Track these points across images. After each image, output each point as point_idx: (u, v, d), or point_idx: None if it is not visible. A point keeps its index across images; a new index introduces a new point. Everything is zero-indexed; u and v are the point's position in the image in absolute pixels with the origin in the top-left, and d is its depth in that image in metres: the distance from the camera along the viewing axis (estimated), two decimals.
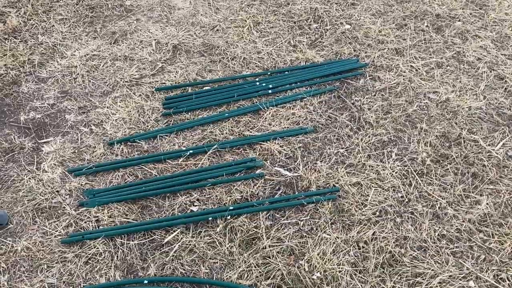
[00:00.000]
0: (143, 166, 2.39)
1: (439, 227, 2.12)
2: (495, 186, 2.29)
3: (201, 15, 3.44)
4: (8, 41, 3.13)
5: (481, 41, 3.17)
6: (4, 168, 2.37)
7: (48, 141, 2.52)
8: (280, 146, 2.49)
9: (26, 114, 2.67)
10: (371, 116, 2.65)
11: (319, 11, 3.47)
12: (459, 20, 3.36)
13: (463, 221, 2.15)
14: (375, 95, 2.79)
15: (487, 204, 2.21)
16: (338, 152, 2.46)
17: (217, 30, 3.32)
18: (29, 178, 2.32)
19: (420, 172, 2.36)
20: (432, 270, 1.97)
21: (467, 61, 3.01)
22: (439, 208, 2.20)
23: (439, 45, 3.15)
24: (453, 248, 2.05)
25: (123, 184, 2.32)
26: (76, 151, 2.47)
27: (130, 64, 3.02)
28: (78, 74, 2.93)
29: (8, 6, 3.41)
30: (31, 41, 3.15)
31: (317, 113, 2.69)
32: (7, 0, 3.45)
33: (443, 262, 2.00)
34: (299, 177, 2.33)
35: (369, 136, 2.54)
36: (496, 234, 2.10)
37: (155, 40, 3.21)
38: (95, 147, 2.49)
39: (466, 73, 2.93)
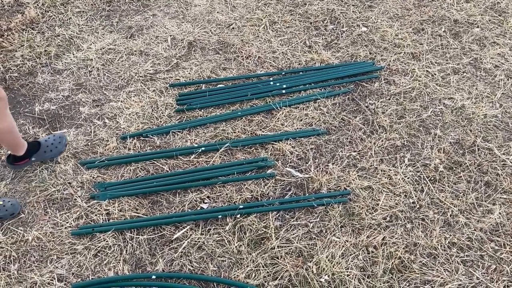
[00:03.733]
0: (155, 161, 2.40)
1: (450, 235, 2.10)
2: (509, 196, 2.26)
3: (218, 12, 3.44)
4: (25, 32, 3.15)
5: (499, 48, 3.13)
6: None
7: (62, 132, 2.54)
8: (292, 146, 2.48)
9: (41, 105, 2.69)
10: (385, 120, 2.63)
11: (335, 12, 3.45)
12: (478, 27, 3.32)
13: (475, 230, 2.12)
14: (389, 99, 2.77)
15: (499, 213, 2.19)
16: (350, 155, 2.45)
17: (233, 28, 3.32)
18: (42, 169, 2.33)
19: (432, 178, 2.34)
20: (442, 278, 1.96)
21: (484, 68, 2.98)
22: (450, 215, 2.18)
23: (456, 51, 3.12)
24: (464, 257, 2.03)
25: (134, 178, 2.33)
26: (89, 143, 2.49)
27: (145, 59, 3.03)
28: (93, 67, 2.94)
29: None
30: (48, 33, 3.18)
31: (331, 115, 2.68)
32: None
33: (453, 270, 1.98)
34: (310, 178, 2.32)
35: (382, 140, 2.52)
36: (508, 244, 2.08)
37: (170, 36, 3.21)
38: (108, 140, 2.51)
39: (482, 80, 2.90)
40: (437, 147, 2.48)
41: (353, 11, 3.47)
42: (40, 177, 2.29)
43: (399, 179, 2.32)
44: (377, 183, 2.30)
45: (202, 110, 2.72)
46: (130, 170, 2.36)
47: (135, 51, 3.09)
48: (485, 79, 2.91)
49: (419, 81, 2.89)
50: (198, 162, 2.41)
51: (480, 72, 2.96)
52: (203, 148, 2.46)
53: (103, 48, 3.09)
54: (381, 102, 2.75)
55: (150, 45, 3.14)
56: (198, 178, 2.31)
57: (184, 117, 2.66)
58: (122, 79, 2.88)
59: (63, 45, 3.10)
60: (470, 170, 2.37)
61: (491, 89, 2.83)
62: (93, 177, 2.32)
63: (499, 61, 3.04)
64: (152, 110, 2.69)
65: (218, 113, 2.71)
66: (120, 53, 3.07)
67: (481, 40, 3.21)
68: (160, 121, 2.63)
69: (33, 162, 2.32)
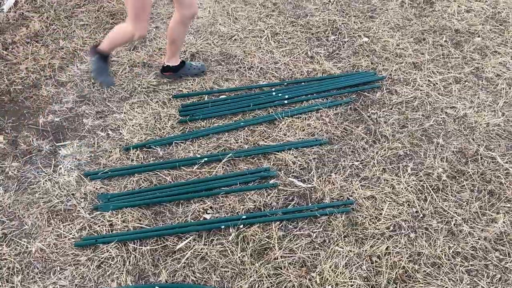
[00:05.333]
0: (157, 172, 2.41)
1: (454, 244, 2.09)
2: None
3: (220, 24, 3.47)
4: (30, 45, 3.18)
5: (501, 57, 3.14)
6: (22, 169, 2.40)
7: (65, 144, 2.55)
8: (295, 156, 2.49)
9: (45, 117, 2.71)
10: (387, 130, 2.63)
11: (337, 23, 3.48)
12: (479, 36, 3.34)
13: (479, 239, 2.11)
14: (391, 109, 2.78)
15: (503, 222, 2.18)
16: (353, 164, 2.45)
17: (235, 39, 3.35)
18: (46, 180, 2.34)
19: (435, 187, 2.33)
20: (446, 287, 1.94)
21: (486, 77, 2.99)
22: (454, 224, 2.17)
23: (457, 60, 3.13)
24: (468, 266, 2.02)
25: (137, 189, 2.33)
26: (93, 155, 2.50)
27: (148, 70, 3.06)
28: None
29: (32, 11, 3.48)
30: (52, 46, 3.21)
31: (333, 125, 2.69)
32: (31, 5, 3.52)
33: (457, 280, 1.97)
34: (313, 188, 2.32)
35: (385, 150, 2.52)
36: None
37: None
38: (111, 151, 2.52)
39: (484, 89, 2.91)
40: (440, 156, 2.48)
41: (354, 22, 3.50)
42: None
43: (402, 188, 2.32)
44: (380, 192, 2.30)
45: (205, 121, 2.73)
46: (133, 181, 2.37)
47: (138, 63, 3.11)
48: (487, 88, 2.91)
49: (421, 90, 2.90)
50: (201, 172, 2.42)
51: (482, 81, 2.97)
52: (205, 159, 2.47)
53: None
54: (383, 111, 2.76)
55: (153, 57, 3.17)
56: (201, 189, 2.32)
57: (187, 128, 2.68)
58: (125, 91, 2.90)
59: (67, 57, 3.13)
60: (473, 179, 2.37)
61: (493, 98, 2.83)
62: (96, 188, 2.32)
63: (500, 70, 3.05)
64: (155, 121, 2.71)
65: (220, 123, 2.72)
66: (123, 65, 3.09)
67: (482, 49, 3.22)
68: (163, 132, 2.65)
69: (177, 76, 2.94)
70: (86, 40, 3.27)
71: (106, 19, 3.48)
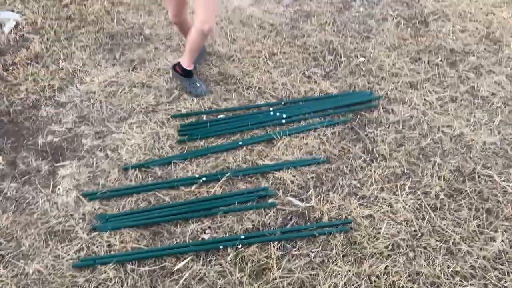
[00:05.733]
0: (156, 192, 2.41)
1: (453, 263, 2.09)
2: (511, 223, 2.26)
3: (218, 45, 3.52)
4: (30, 66, 3.22)
5: (496, 76, 3.18)
6: (20, 190, 2.41)
7: (64, 164, 2.56)
8: (293, 175, 2.50)
9: (44, 138, 2.72)
10: (384, 149, 2.65)
11: (333, 43, 3.53)
12: (474, 55, 3.39)
13: (478, 258, 2.11)
14: (388, 128, 2.80)
15: (502, 241, 2.18)
16: (351, 183, 2.46)
17: (233, 60, 3.39)
18: (44, 201, 2.35)
19: (433, 206, 2.34)
20: None
21: (482, 96, 3.02)
22: (452, 243, 2.17)
23: (453, 79, 3.17)
24: (467, 285, 2.01)
25: (135, 209, 2.33)
26: (91, 175, 2.51)
27: (147, 91, 3.08)
28: (96, 99, 2.99)
29: (33, 33, 3.53)
30: (52, 67, 3.24)
31: (330, 143, 2.70)
32: (32, 27, 3.57)
33: None
34: (311, 207, 2.33)
35: (382, 169, 2.53)
36: (511, 272, 2.06)
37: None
38: (109, 172, 2.52)
39: (480, 108, 2.93)
40: (437, 175, 2.49)
41: (350, 42, 3.54)
42: None
43: (400, 207, 2.33)
44: (378, 211, 2.30)
45: (204, 141, 2.75)
46: (131, 201, 2.37)
47: (137, 83, 3.14)
48: (482, 107, 2.94)
49: (417, 109, 2.93)
50: (199, 192, 2.42)
51: (478, 100, 3.00)
52: (204, 178, 2.48)
53: (106, 80, 3.15)
54: (380, 130, 2.78)
55: (152, 78, 3.20)
56: (199, 209, 2.32)
57: (185, 148, 2.69)
58: (124, 111, 2.92)
59: (66, 78, 3.16)
60: (471, 198, 2.38)
61: (489, 117, 2.86)
62: (94, 209, 2.32)
63: (495, 89, 3.08)
64: (154, 141, 2.72)
65: (219, 143, 2.74)
66: (122, 85, 3.12)
67: (477, 68, 3.27)
68: (162, 152, 2.66)
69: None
70: (85, 61, 3.30)
71: (105, 40, 3.52)
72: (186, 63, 3.00)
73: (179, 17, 2.95)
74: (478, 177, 2.48)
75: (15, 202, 2.35)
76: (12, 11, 3.72)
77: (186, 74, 3.04)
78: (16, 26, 3.56)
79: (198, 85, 3.04)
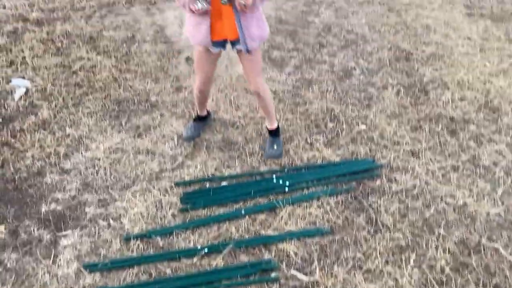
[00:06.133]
0: (157, 264, 2.38)
1: None
2: None
3: (222, 111, 3.59)
4: (37, 133, 3.28)
5: (496, 145, 3.22)
6: (21, 261, 2.38)
7: (66, 234, 2.55)
8: (296, 247, 2.47)
9: (47, 206, 2.73)
10: (388, 219, 2.64)
11: (335, 111, 3.60)
12: (473, 124, 3.44)
13: None
14: (391, 197, 2.80)
15: None
16: (355, 256, 2.42)
17: (237, 126, 3.45)
18: (44, 273, 2.31)
19: (439, 280, 2.29)
20: None
21: (483, 165, 3.04)
22: None
23: (454, 148, 3.21)
24: None
25: (136, 283, 2.29)
26: (93, 245, 2.49)
27: (151, 158, 3.12)
28: (100, 166, 3.02)
29: (42, 99, 3.62)
30: (58, 133, 3.30)
31: (334, 213, 2.69)
32: (41, 93, 3.67)
33: None
34: (315, 282, 2.28)
35: (387, 241, 2.51)
36: None
37: (177, 134, 3.33)
38: (111, 241, 2.51)
39: (482, 178, 2.95)
40: (442, 247, 2.46)
41: (351, 110, 3.62)
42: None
43: (405, 281, 2.28)
44: (383, 286, 2.26)
45: (206, 209, 2.74)
46: (132, 273, 2.33)
47: (142, 150, 3.18)
48: (485, 177, 2.96)
49: (419, 178, 2.94)
50: (201, 264, 2.39)
51: (479, 169, 3.01)
52: (206, 250, 2.45)
53: (111, 147, 3.19)
54: (383, 200, 2.78)
55: (157, 144, 3.24)
56: (200, 282, 2.28)
57: (188, 217, 2.68)
58: (128, 178, 2.94)
59: (72, 144, 3.21)
60: (477, 272, 2.34)
61: (491, 187, 2.87)
62: (95, 281, 2.29)
63: (497, 158, 3.11)
64: (157, 209, 2.72)
65: (221, 212, 2.73)
66: (127, 152, 3.16)
67: (478, 137, 3.31)
68: (164, 221, 2.65)
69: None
70: (92, 128, 3.37)
71: (112, 106, 3.61)
72: (275, 124, 3.18)
73: (207, 86, 3.03)
74: (484, 250, 2.45)
75: (15, 273, 2.31)
76: (23, 78, 3.84)
77: (273, 133, 3.20)
78: (26, 92, 3.66)
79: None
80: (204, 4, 2.46)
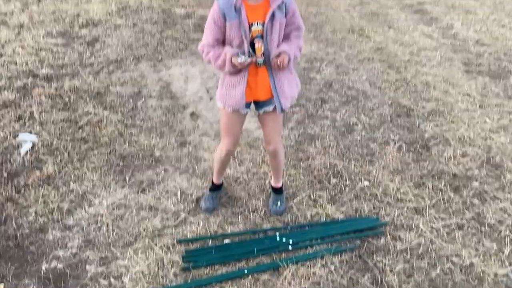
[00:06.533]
0: None
1: None
2: None
3: None
4: (41, 188, 3.29)
5: (500, 202, 3.21)
6: None
7: None
8: None
9: (48, 263, 2.70)
10: (394, 280, 2.59)
11: (338, 166, 3.62)
12: (476, 180, 3.44)
13: None
14: (396, 256, 2.77)
15: None
16: None
17: (240, 182, 3.46)
18: None
19: None
20: None
21: (488, 224, 3.02)
22: None
23: (458, 205, 3.19)
24: None
25: None
26: None
27: (154, 214, 3.11)
28: (103, 223, 3.01)
29: (47, 154, 3.66)
30: (62, 188, 3.31)
31: (338, 273, 2.65)
32: (47, 148, 3.71)
33: None
34: None
35: None
36: None
37: (180, 190, 3.33)
38: None
39: (488, 237, 2.91)
40: None
41: (354, 165, 3.64)
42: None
43: None
44: None
45: (208, 268, 2.70)
46: None
47: (145, 206, 3.18)
48: (490, 235, 2.93)
49: (424, 237, 2.91)
50: None
51: (485, 227, 2.99)
52: None
53: (114, 203, 3.19)
54: (388, 259, 2.74)
55: (160, 200, 3.24)
56: None
57: (189, 276, 2.64)
58: (130, 235, 2.92)
59: (75, 200, 3.21)
60: None
61: (498, 246, 2.83)
62: None
63: (502, 216, 3.09)
64: (158, 268, 2.68)
65: (224, 271, 2.69)
66: (130, 208, 3.16)
67: (481, 194, 3.30)
68: (166, 280, 2.61)
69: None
70: (96, 183, 3.38)
71: (116, 162, 3.64)
72: (281, 182, 3.22)
73: (236, 146, 3.00)
74: None
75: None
76: (30, 132, 3.90)
77: (277, 190, 3.22)
78: (32, 147, 3.71)
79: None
80: (248, 58, 2.50)
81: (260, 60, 2.56)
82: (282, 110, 2.72)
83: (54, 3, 7.14)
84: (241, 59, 2.48)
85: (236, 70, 2.57)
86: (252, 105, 2.81)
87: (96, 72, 5.03)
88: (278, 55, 2.54)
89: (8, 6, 6.81)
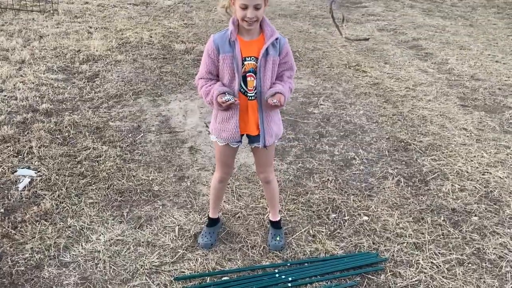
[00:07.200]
0: None
1: None
2: None
3: (224, 202, 3.60)
4: (38, 224, 3.27)
5: (500, 238, 3.19)
6: None
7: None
8: None
9: None
10: None
11: (336, 201, 3.61)
12: (475, 215, 3.44)
13: None
14: None
15: None
16: None
17: (239, 217, 3.44)
18: None
19: None
20: None
21: (489, 259, 2.99)
22: None
23: (458, 240, 3.17)
24: None
25: None
26: None
27: (151, 250, 3.08)
28: (100, 259, 2.98)
29: (45, 189, 3.65)
30: (60, 224, 3.29)
31: None
32: (45, 183, 3.71)
33: None
34: None
35: None
36: None
37: (178, 226, 3.31)
38: None
39: (489, 273, 2.89)
40: None
41: (353, 200, 3.63)
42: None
43: None
44: None
45: None
46: None
47: (142, 242, 3.15)
48: (491, 272, 2.90)
49: (425, 273, 2.88)
50: None
51: (485, 263, 2.96)
52: None
53: (112, 239, 3.16)
54: None
55: (158, 236, 3.22)
56: None
57: None
58: (127, 272, 2.89)
59: (73, 236, 3.18)
60: None
61: (499, 283, 2.80)
62: None
63: (502, 251, 3.07)
64: None
65: None
66: (127, 244, 3.13)
67: (480, 229, 3.29)
68: None
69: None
70: (93, 218, 3.36)
71: (114, 197, 3.62)
72: (278, 215, 3.23)
73: (229, 175, 3.10)
74: None
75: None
76: (29, 167, 3.90)
77: (276, 224, 3.22)
78: (31, 182, 3.70)
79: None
80: (231, 98, 2.55)
81: (251, 94, 2.61)
82: (265, 146, 2.76)
83: (55, 39, 7.27)
84: (226, 97, 2.54)
85: (225, 108, 2.61)
86: (245, 138, 2.84)
87: (96, 107, 5.08)
88: (274, 95, 2.59)
89: (10, 42, 6.93)
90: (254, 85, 2.59)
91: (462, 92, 5.82)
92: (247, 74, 2.58)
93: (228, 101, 2.54)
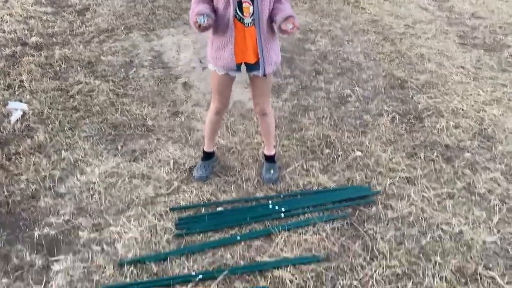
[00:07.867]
0: None
1: None
2: None
3: (219, 137, 3.59)
4: (33, 156, 3.27)
5: (491, 173, 3.23)
6: (12, 286, 2.34)
7: (59, 259, 2.51)
8: (292, 274, 2.45)
9: (41, 230, 2.70)
10: (385, 247, 2.62)
11: (331, 137, 3.61)
12: (468, 151, 3.46)
13: None
14: (387, 224, 2.80)
15: None
16: (351, 284, 2.40)
17: (233, 152, 3.45)
18: None
19: None
20: None
21: (479, 193, 3.05)
22: None
23: (449, 175, 3.22)
24: None
25: None
26: (86, 270, 2.45)
27: (147, 182, 3.11)
28: (95, 190, 3.01)
29: (38, 122, 3.62)
30: (54, 156, 3.29)
31: (330, 240, 2.68)
32: (37, 117, 3.67)
33: None
34: None
35: (383, 268, 2.49)
36: None
37: (173, 159, 3.32)
38: (105, 267, 2.47)
39: (478, 205, 2.95)
40: (438, 276, 2.45)
41: (347, 136, 3.64)
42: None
43: None
44: None
45: (201, 235, 2.72)
46: None
47: (137, 174, 3.17)
48: (480, 204, 2.96)
49: (415, 205, 2.94)
50: None
51: (475, 197, 3.02)
52: (200, 276, 2.42)
53: (107, 171, 3.18)
54: (379, 227, 2.77)
55: (153, 169, 3.23)
56: None
57: (182, 242, 2.66)
58: (123, 203, 2.92)
59: (67, 168, 3.20)
60: None
61: (487, 215, 2.87)
62: None
63: (492, 186, 3.12)
64: (151, 235, 2.69)
65: (217, 237, 2.71)
66: (122, 176, 3.15)
67: (472, 164, 3.33)
68: (159, 247, 2.62)
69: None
70: (87, 151, 3.36)
71: (108, 131, 3.61)
72: (273, 150, 3.25)
73: (225, 107, 3.06)
74: (481, 278, 2.44)
75: None
76: (20, 101, 3.85)
77: (270, 158, 3.24)
78: (23, 116, 3.67)
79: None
80: (203, 20, 2.37)
81: (248, 20, 2.51)
82: (264, 75, 2.69)
83: None
84: (200, 19, 2.36)
85: (203, 30, 2.44)
86: (243, 66, 2.76)
87: (87, 41, 4.94)
88: (286, 19, 2.47)
89: None
90: (250, 11, 2.49)
91: (462, 30, 5.70)
92: (243, 0, 2.48)
93: (203, 22, 2.35)
